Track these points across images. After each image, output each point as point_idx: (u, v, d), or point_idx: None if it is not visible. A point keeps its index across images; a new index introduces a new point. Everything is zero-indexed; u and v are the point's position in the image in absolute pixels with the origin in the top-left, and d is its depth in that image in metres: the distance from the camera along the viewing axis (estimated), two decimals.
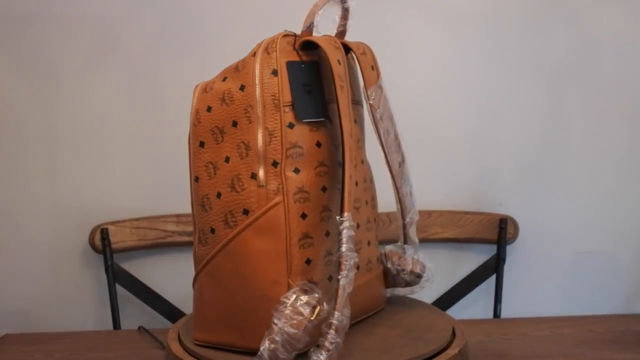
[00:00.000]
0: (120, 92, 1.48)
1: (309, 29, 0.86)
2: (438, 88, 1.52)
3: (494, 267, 1.49)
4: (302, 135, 0.81)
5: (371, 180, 0.94)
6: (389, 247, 0.99)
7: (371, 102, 0.91)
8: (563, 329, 1.24)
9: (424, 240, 1.43)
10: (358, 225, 0.88)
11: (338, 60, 0.83)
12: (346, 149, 0.80)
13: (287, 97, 0.81)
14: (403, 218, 0.98)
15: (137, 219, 1.47)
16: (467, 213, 1.52)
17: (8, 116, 1.46)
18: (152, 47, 1.48)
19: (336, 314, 0.74)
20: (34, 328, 1.43)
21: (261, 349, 0.74)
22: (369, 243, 0.92)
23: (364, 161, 0.92)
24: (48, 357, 1.14)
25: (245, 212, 0.80)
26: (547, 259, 1.56)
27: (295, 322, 0.74)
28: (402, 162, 0.96)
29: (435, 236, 1.50)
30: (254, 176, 0.81)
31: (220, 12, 1.47)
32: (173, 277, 1.48)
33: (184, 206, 1.43)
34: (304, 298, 0.76)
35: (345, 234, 0.77)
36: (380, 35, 1.46)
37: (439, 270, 1.52)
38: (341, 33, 0.93)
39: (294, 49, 0.85)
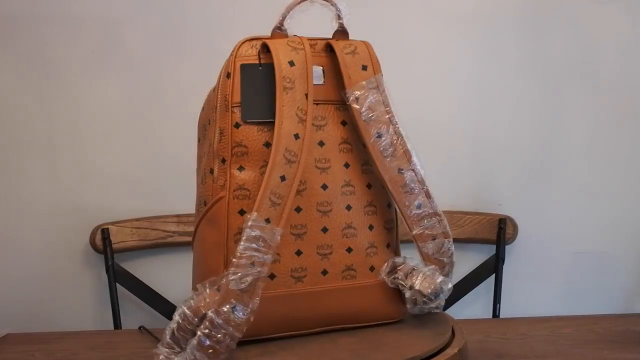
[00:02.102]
0: (121, 93, 1.48)
1: (279, 30, 0.91)
2: (437, 89, 1.52)
3: (493, 267, 1.49)
4: (248, 135, 0.86)
5: (368, 186, 0.93)
6: (399, 259, 0.94)
7: (350, 103, 0.90)
8: (562, 328, 1.24)
9: None
10: (326, 229, 0.89)
11: (291, 62, 0.87)
12: (273, 149, 0.83)
13: (236, 98, 0.87)
14: (410, 229, 0.93)
15: (137, 219, 1.47)
16: (466, 213, 1.52)
17: (9, 117, 1.46)
18: (153, 47, 1.48)
19: (210, 311, 0.79)
20: (35, 328, 1.43)
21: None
22: (349, 249, 0.90)
23: (349, 165, 0.91)
24: (49, 357, 1.14)
25: (205, 203, 0.89)
26: (546, 259, 1.56)
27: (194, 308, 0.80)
28: (404, 170, 0.92)
29: None
30: (211, 171, 0.88)
31: (222, 12, 1.47)
32: (174, 277, 1.48)
33: (185, 206, 1.44)
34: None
35: (245, 232, 0.80)
36: (378, 36, 1.41)
37: None
38: (340, 32, 0.94)
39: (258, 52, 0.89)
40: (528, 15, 1.51)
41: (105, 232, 1.43)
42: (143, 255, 1.50)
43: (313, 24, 0.93)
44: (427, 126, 1.51)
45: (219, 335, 0.78)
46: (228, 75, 0.88)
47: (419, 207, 0.92)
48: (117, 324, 1.43)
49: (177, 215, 1.48)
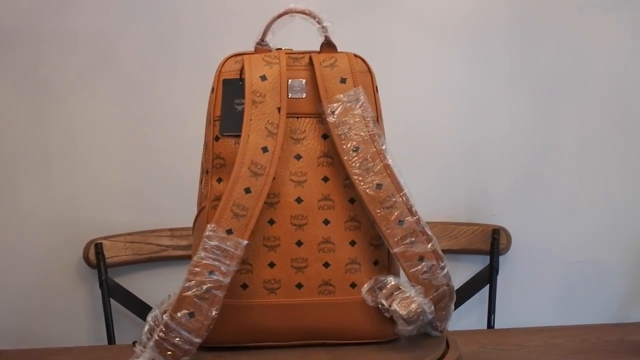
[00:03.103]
0: (114, 107, 1.48)
1: (259, 44, 0.94)
2: (429, 99, 1.53)
3: (488, 277, 1.49)
4: (226, 147, 0.89)
5: (351, 200, 0.90)
6: (384, 277, 0.90)
7: (326, 117, 0.89)
8: (557, 339, 1.24)
9: None
10: (301, 243, 0.89)
11: (262, 77, 0.89)
12: (237, 162, 0.86)
13: (217, 112, 0.90)
14: (390, 247, 0.89)
15: (130, 234, 1.46)
16: (460, 224, 1.52)
17: (3, 130, 1.46)
18: (146, 61, 1.48)
19: (165, 315, 0.84)
20: (29, 344, 1.42)
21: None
22: (326, 264, 0.89)
23: (328, 179, 0.90)
24: None
25: (200, 209, 0.93)
26: (540, 269, 1.56)
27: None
28: (383, 185, 0.88)
29: None
30: (201, 181, 0.93)
31: (214, 27, 1.48)
32: (168, 292, 1.47)
33: (178, 220, 1.45)
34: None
35: (202, 242, 0.83)
36: (370, 46, 1.42)
37: None
38: (326, 45, 0.94)
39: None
40: (519, 25, 1.52)
41: (98, 247, 1.43)
42: (137, 269, 1.49)
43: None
44: (419, 136, 1.51)
45: (176, 340, 0.82)
46: (212, 90, 0.92)
47: (400, 224, 0.88)
48: (111, 339, 1.42)
49: (171, 229, 1.47)
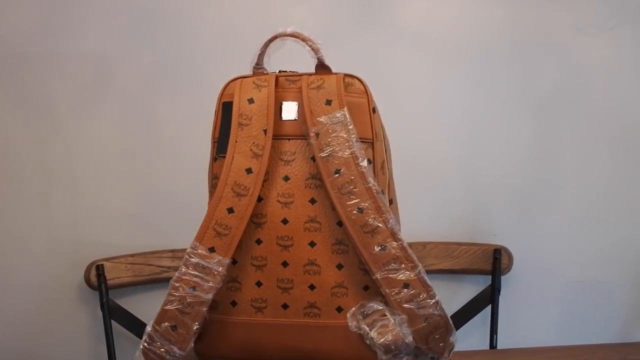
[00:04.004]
0: (115, 129, 1.48)
1: (256, 67, 0.96)
2: (428, 119, 1.53)
3: (489, 297, 1.48)
4: (221, 168, 0.90)
5: (339, 223, 0.89)
6: (371, 304, 0.88)
7: (310, 139, 0.88)
8: (559, 359, 1.23)
9: None
10: (287, 264, 0.89)
11: (250, 99, 0.91)
12: (220, 182, 0.88)
13: (217, 134, 0.93)
14: (371, 273, 0.86)
15: (132, 255, 1.46)
16: (461, 244, 1.52)
17: (2, 154, 1.46)
18: (147, 83, 1.48)
19: (149, 326, 0.88)
20: None
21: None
22: (311, 286, 0.89)
23: (316, 201, 0.90)
24: None
25: None
26: (542, 288, 1.55)
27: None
28: (365, 208, 0.85)
29: (430, 268, 1.49)
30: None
31: (215, 48, 1.48)
32: None
33: (179, 241, 1.43)
34: None
35: (184, 258, 0.87)
36: (369, 67, 1.43)
37: None
38: (320, 67, 0.94)
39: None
40: (518, 45, 1.52)
41: (99, 269, 1.42)
42: (138, 291, 1.48)
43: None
44: (420, 156, 1.51)
45: (162, 350, 0.87)
46: (215, 112, 0.94)
47: (383, 249, 0.85)
48: None
49: (172, 251, 1.47)
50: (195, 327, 0.86)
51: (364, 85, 0.93)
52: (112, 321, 1.42)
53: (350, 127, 0.88)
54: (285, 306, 0.90)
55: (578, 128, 1.54)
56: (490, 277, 1.49)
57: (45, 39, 1.45)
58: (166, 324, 0.86)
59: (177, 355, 0.86)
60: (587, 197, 1.55)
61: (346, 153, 0.87)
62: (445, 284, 1.53)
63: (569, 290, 1.55)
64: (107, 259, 1.44)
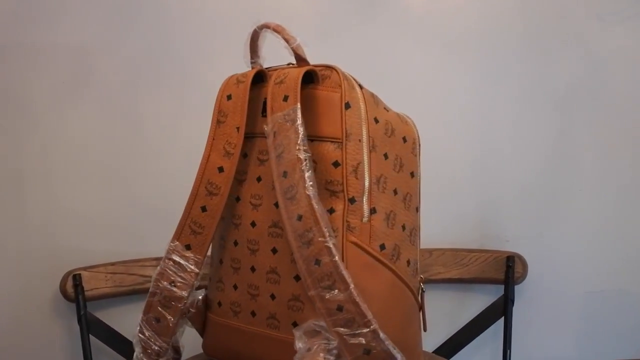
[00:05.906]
0: (94, 126, 1.45)
1: (252, 63, 0.96)
2: (437, 118, 1.51)
3: (502, 309, 1.45)
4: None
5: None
6: (316, 323, 0.82)
7: (267, 138, 0.85)
8: None
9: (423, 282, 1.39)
10: (254, 269, 0.89)
11: (229, 96, 0.92)
12: (195, 180, 0.91)
13: None
14: (306, 288, 0.81)
15: (112, 264, 1.42)
16: (471, 251, 1.49)
17: None
18: (129, 78, 1.45)
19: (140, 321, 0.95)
20: None
21: None
22: (272, 296, 0.87)
23: (278, 205, 0.84)
24: None
25: None
26: (558, 299, 1.54)
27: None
28: (303, 217, 0.80)
29: (437, 277, 1.47)
30: None
31: (200, 41, 1.46)
32: None
33: (164, 249, 1.38)
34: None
35: (164, 255, 0.94)
36: (375, 62, 1.45)
37: (442, 314, 1.48)
38: (298, 60, 0.89)
39: None
40: (532, 39, 1.50)
41: (76, 278, 1.37)
42: (119, 302, 1.44)
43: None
44: (426, 156, 1.46)
45: (151, 343, 0.93)
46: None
47: (317, 263, 0.79)
48: None
49: (156, 259, 1.42)
50: (176, 321, 0.92)
51: (340, 78, 0.86)
52: (91, 336, 1.37)
53: (297, 126, 0.82)
54: (253, 313, 0.90)
55: (598, 126, 1.52)
56: (502, 286, 1.47)
57: (19, 29, 1.42)
58: (151, 315, 0.92)
59: (163, 345, 0.92)
60: (608, 200, 1.52)
61: (292, 154, 0.82)
62: (453, 294, 1.52)
63: (589, 301, 1.53)
64: (85, 268, 1.39)
